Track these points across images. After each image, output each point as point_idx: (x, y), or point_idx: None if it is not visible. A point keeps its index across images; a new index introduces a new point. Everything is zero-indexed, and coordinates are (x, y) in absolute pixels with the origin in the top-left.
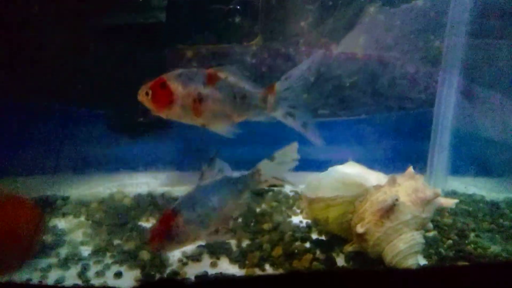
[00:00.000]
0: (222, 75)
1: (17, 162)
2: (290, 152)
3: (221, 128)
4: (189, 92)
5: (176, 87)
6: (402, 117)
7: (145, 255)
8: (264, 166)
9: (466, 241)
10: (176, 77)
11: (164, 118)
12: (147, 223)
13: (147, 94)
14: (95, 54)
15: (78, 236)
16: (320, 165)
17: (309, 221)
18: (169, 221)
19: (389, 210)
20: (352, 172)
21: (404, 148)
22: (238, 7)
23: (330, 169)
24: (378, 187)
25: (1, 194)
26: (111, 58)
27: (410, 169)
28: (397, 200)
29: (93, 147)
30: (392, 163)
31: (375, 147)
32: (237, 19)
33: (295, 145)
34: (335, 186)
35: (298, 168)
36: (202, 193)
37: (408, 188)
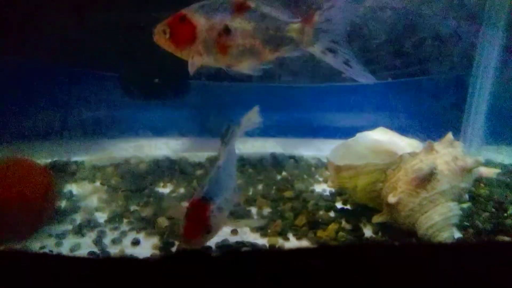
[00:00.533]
0: (252, 3)
1: (31, 126)
2: (253, 117)
3: (250, 68)
4: (213, 24)
5: (198, 20)
6: (436, 80)
7: (163, 221)
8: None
9: (505, 214)
10: (197, 9)
11: (184, 59)
12: (164, 189)
13: (164, 32)
14: (111, 16)
15: (93, 201)
16: (345, 132)
17: (333, 189)
18: (205, 213)
19: (426, 179)
20: (383, 138)
21: (436, 114)
22: None
23: (358, 135)
24: (413, 154)
25: (11, 158)
26: (128, 19)
27: (449, 135)
28: (435, 168)
29: (107, 110)
30: (423, 130)
31: (405, 113)
32: None
33: (255, 109)
34: (364, 153)
35: (321, 135)
36: (222, 175)
37: (447, 155)
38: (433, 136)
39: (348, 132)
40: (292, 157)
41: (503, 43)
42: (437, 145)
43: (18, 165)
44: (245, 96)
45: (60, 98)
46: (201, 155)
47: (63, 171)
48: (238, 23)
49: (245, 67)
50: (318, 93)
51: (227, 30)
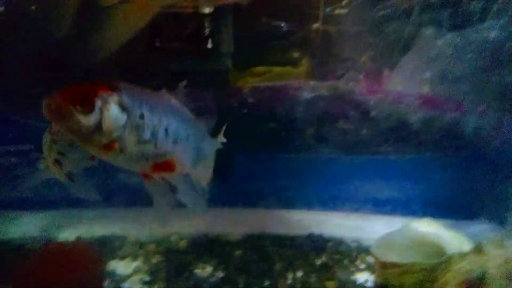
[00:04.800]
0: None
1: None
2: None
3: None
4: None
5: None
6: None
7: None
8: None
9: None
10: None
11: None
12: (203, 271)
13: None
14: None
15: (136, 283)
16: (373, 207)
17: (378, 281)
18: (96, 88)
19: (476, 283)
20: (429, 232)
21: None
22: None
23: (403, 226)
24: (462, 255)
25: (61, 242)
26: None
27: (499, 237)
28: (485, 272)
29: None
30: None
31: (439, 189)
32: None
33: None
34: (410, 247)
35: (331, 208)
36: (168, 105)
37: (498, 258)
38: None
39: (383, 206)
40: (331, 239)
41: None
42: (487, 246)
43: (68, 248)
44: (282, 166)
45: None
46: (238, 232)
47: (106, 247)
48: None
49: None
50: (353, 165)
51: None
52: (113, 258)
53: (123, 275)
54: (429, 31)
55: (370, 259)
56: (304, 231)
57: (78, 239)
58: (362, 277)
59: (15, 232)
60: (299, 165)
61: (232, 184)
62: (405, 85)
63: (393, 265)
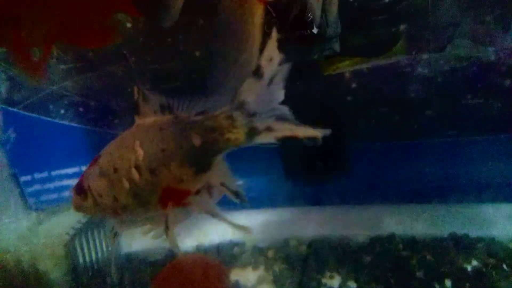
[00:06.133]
0: None
1: None
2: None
3: None
4: None
5: None
6: None
7: None
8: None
9: None
10: None
11: None
12: (332, 281)
13: None
14: None
15: None
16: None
17: None
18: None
19: None
20: None
21: None
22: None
23: None
24: None
25: (187, 257)
26: None
27: None
28: None
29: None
30: None
31: None
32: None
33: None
34: None
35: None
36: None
37: None
38: None
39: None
40: (481, 239)
41: None
42: None
43: (197, 263)
44: (402, 154)
45: None
46: (364, 234)
47: (226, 255)
48: None
49: None
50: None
51: None
52: (234, 266)
53: (247, 287)
54: None
55: None
56: (443, 230)
57: (199, 247)
58: None
59: (138, 245)
60: (421, 152)
61: (348, 179)
62: None
63: None
